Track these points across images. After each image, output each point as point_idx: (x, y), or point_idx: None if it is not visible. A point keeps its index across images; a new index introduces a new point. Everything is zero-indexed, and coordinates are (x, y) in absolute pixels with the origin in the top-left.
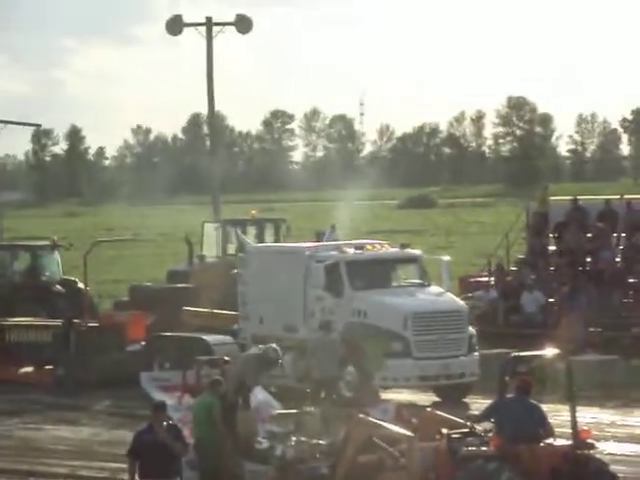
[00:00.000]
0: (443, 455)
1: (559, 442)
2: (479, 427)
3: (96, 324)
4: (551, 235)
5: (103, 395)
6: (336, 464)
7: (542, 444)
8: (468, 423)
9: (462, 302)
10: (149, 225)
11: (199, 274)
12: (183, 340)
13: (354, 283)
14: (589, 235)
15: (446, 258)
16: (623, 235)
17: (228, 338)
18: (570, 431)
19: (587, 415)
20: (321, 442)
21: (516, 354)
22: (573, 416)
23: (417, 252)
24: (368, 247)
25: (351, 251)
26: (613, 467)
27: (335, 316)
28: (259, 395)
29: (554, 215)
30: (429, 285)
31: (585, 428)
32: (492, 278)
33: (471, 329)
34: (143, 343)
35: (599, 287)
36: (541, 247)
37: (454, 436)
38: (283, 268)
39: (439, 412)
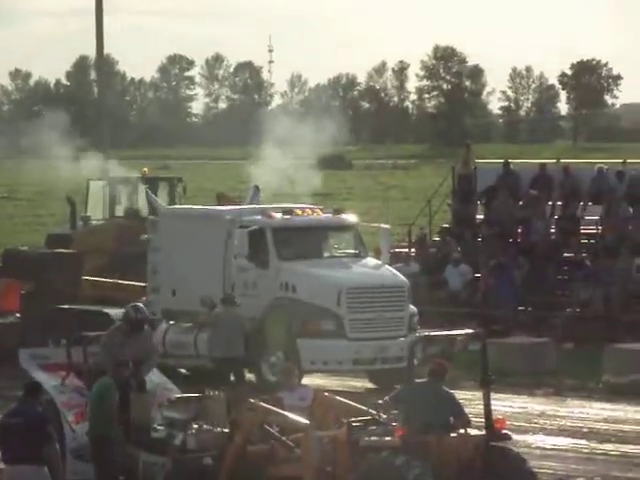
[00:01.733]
0: (342, 445)
1: (472, 432)
2: (383, 415)
3: None
4: (479, 202)
5: None
6: (222, 454)
7: (453, 435)
8: (371, 410)
9: (402, 276)
10: (25, 182)
11: (83, 238)
12: (83, 314)
13: (282, 253)
14: (521, 203)
15: (385, 226)
16: (559, 204)
17: None
18: (484, 421)
19: (515, 404)
20: (226, 430)
21: (426, 334)
22: (487, 404)
23: (353, 219)
24: (297, 212)
25: (278, 216)
26: (542, 462)
27: (259, 289)
28: (154, 377)
29: (483, 180)
30: (365, 256)
31: (500, 417)
32: (413, 250)
33: (412, 307)
34: (17, 315)
35: (531, 261)
36: (468, 215)
37: (355, 424)
38: (200, 234)
39: (337, 397)
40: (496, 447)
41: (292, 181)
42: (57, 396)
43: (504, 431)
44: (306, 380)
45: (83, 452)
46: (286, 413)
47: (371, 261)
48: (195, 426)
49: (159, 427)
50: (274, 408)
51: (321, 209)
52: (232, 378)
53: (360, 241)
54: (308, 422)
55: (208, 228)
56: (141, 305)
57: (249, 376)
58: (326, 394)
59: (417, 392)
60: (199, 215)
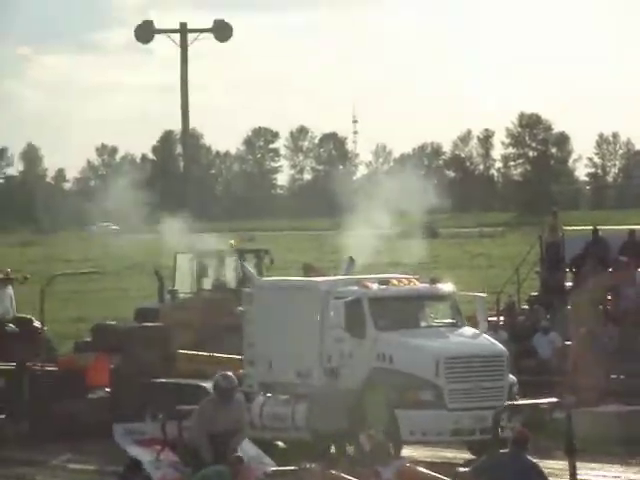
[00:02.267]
0: None
1: None
2: None
3: (54, 368)
4: (568, 270)
5: (62, 448)
6: None
7: None
8: None
9: (501, 346)
10: (113, 256)
11: (171, 312)
12: (179, 387)
13: (378, 323)
14: (610, 270)
15: (481, 294)
16: None
17: None
18: None
19: (608, 474)
20: None
21: (509, 403)
22: (572, 472)
23: (449, 288)
24: (393, 282)
25: (374, 286)
26: None
27: (356, 360)
28: (249, 450)
29: (571, 247)
30: (463, 326)
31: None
32: (501, 318)
33: (511, 377)
34: (107, 389)
35: (621, 329)
36: (556, 283)
37: None
38: (296, 305)
39: (420, 468)
40: None
41: (384, 251)
42: (153, 472)
43: None
44: (406, 451)
45: None
46: None
47: (468, 330)
48: None
49: None
50: (351, 478)
51: (417, 279)
52: (332, 450)
53: (457, 310)
54: None
55: (303, 299)
56: (230, 374)
57: (349, 449)
58: (408, 465)
59: (500, 462)
60: (294, 286)
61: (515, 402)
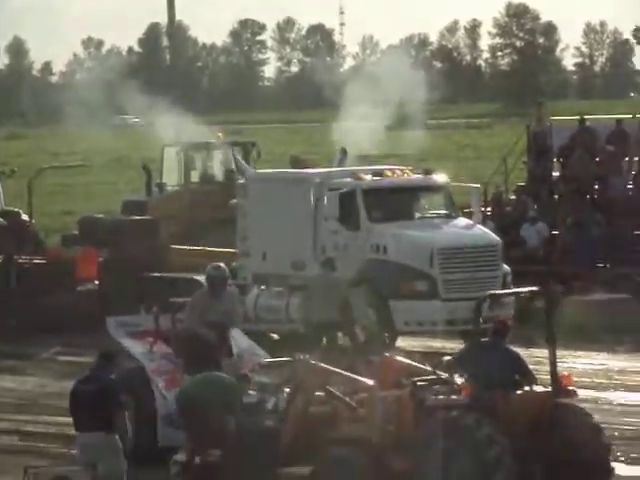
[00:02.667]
0: (407, 405)
1: (537, 390)
2: (444, 374)
3: (42, 261)
4: (555, 160)
5: (51, 341)
6: (285, 416)
7: (519, 392)
8: (435, 370)
9: (495, 236)
10: (101, 149)
11: (159, 204)
12: (175, 282)
13: (372, 214)
14: (597, 159)
15: (476, 185)
16: (636, 159)
17: None
18: (549, 377)
19: (595, 362)
20: (319, 393)
21: (491, 292)
22: (553, 361)
23: (443, 179)
24: (387, 173)
25: (368, 178)
26: (624, 419)
27: (350, 252)
28: (242, 342)
29: (559, 137)
30: (457, 216)
31: (565, 374)
32: (489, 208)
33: (505, 267)
34: (96, 282)
35: (608, 218)
36: (544, 173)
37: (419, 384)
38: (290, 197)
39: (400, 357)
40: (562, 404)
41: (364, 142)
42: (147, 363)
43: (570, 388)
44: (400, 341)
45: (174, 418)
46: (349, 374)
47: (462, 221)
48: (287, 390)
49: (251, 392)
50: (336, 369)
51: (411, 170)
52: (324, 342)
53: (451, 201)
54: (372, 382)
55: (297, 191)
56: (221, 264)
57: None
58: (388, 354)
59: (481, 351)
60: (288, 178)
61: (497, 292)
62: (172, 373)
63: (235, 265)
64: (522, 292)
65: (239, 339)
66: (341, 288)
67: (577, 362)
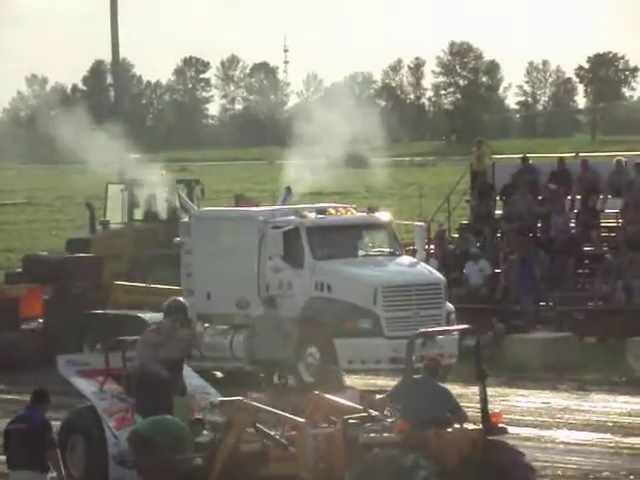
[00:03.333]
0: (338, 442)
1: (469, 427)
2: (374, 412)
3: None
4: (498, 198)
5: None
6: (214, 453)
7: (451, 429)
8: (364, 407)
9: (438, 274)
10: (45, 187)
11: (102, 242)
12: (117, 318)
13: (316, 252)
14: (540, 198)
15: (420, 224)
16: (578, 198)
17: None
18: (480, 415)
19: (538, 400)
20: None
21: (423, 330)
22: (483, 398)
23: (387, 217)
24: (331, 211)
25: (312, 215)
26: (567, 457)
27: (294, 290)
28: (193, 380)
29: (502, 175)
30: (401, 254)
31: (496, 411)
32: (432, 246)
33: (449, 305)
34: (41, 321)
35: (551, 256)
36: (486, 211)
37: (351, 421)
38: (234, 235)
39: (328, 395)
40: (493, 441)
41: (307, 180)
42: (98, 403)
43: (500, 425)
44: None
45: (125, 458)
46: (279, 412)
47: (406, 259)
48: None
49: (204, 432)
50: (266, 407)
51: (355, 208)
52: (276, 380)
53: (395, 239)
54: (303, 420)
55: (241, 229)
56: (181, 298)
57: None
58: (316, 393)
59: (413, 388)
60: (232, 217)
61: (429, 329)
62: (123, 412)
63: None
64: (453, 330)
65: (190, 377)
66: (285, 326)
67: (521, 400)
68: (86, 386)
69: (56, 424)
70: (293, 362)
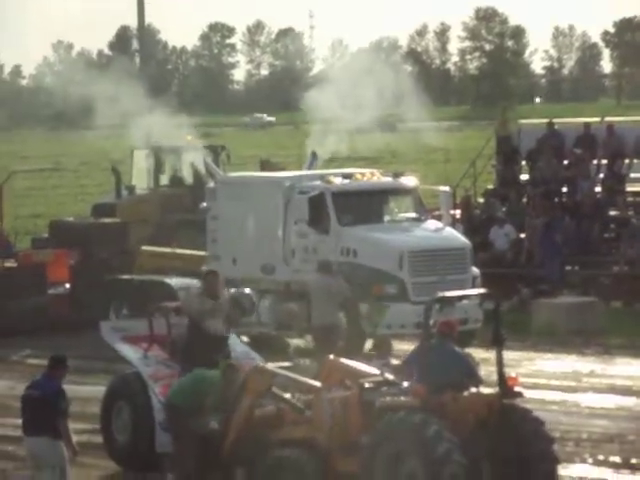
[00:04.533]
0: (355, 407)
1: (484, 391)
2: (390, 376)
3: (13, 264)
4: (524, 163)
5: (22, 344)
6: (229, 417)
7: (467, 393)
8: (380, 372)
9: (464, 239)
10: (71, 153)
11: (128, 207)
12: (143, 284)
13: (342, 218)
14: (566, 162)
15: (445, 189)
16: (604, 162)
17: (194, 281)
18: (497, 378)
19: (564, 364)
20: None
21: (441, 294)
22: (500, 362)
23: (413, 182)
24: (357, 176)
25: (338, 181)
26: (592, 421)
27: (320, 255)
28: (237, 347)
29: (527, 140)
30: (426, 219)
31: (512, 375)
32: (458, 211)
33: (475, 269)
34: (67, 286)
35: (577, 221)
36: (512, 176)
37: (367, 386)
38: (260, 201)
39: (343, 359)
40: (512, 406)
41: (344, 145)
42: (144, 369)
43: (516, 389)
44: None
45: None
46: (296, 376)
47: (432, 224)
48: (287, 395)
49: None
50: (283, 371)
51: (381, 173)
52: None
53: (420, 204)
54: (318, 384)
55: (267, 194)
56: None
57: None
58: (331, 357)
59: (428, 353)
60: (258, 182)
61: (446, 294)
62: (169, 378)
63: (205, 268)
64: (471, 295)
65: (234, 344)
66: (344, 292)
67: (546, 364)
68: (131, 352)
69: (84, 389)
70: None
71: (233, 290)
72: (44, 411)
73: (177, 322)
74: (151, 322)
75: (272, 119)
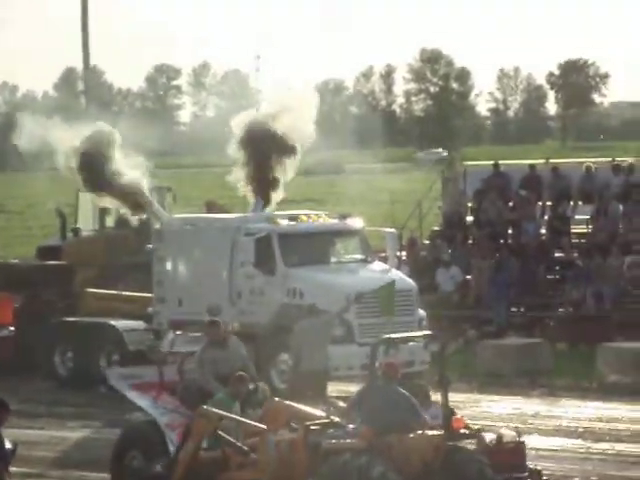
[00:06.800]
0: (301, 449)
1: (430, 433)
2: (335, 417)
3: None
4: (469, 204)
5: None
6: (175, 461)
7: (412, 435)
8: (325, 414)
9: (410, 280)
10: (15, 195)
11: (73, 249)
12: (89, 326)
13: (288, 259)
14: (511, 204)
15: (391, 230)
16: (548, 204)
17: (140, 323)
18: (442, 420)
19: (509, 405)
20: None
21: (387, 336)
22: (445, 404)
23: (359, 223)
24: (302, 218)
25: (284, 222)
26: (538, 463)
27: (266, 296)
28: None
29: (473, 182)
30: (372, 261)
31: (458, 417)
32: (404, 253)
33: (421, 311)
34: (12, 329)
35: (522, 262)
36: (458, 218)
37: (313, 427)
38: (206, 242)
39: (288, 402)
40: (454, 447)
41: (291, 187)
42: (160, 417)
43: (462, 430)
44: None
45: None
46: (241, 418)
47: (378, 265)
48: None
49: None
50: (228, 414)
51: (327, 214)
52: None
53: (367, 246)
54: (264, 426)
55: (214, 236)
56: (215, 318)
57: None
58: (277, 399)
59: (374, 394)
60: (204, 223)
61: (393, 335)
62: (183, 427)
63: (151, 310)
64: (416, 336)
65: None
66: (329, 331)
67: (493, 406)
68: (143, 400)
69: (29, 433)
70: (266, 369)
71: (251, 386)
72: None
73: (189, 368)
74: (161, 369)
75: (445, 154)
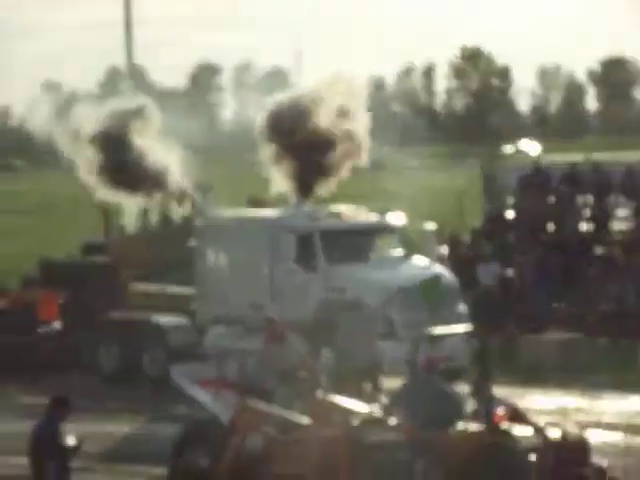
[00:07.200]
0: (344, 444)
1: (472, 428)
2: (379, 414)
3: (3, 304)
4: (510, 200)
5: (11, 383)
6: (220, 456)
7: (455, 430)
8: (369, 409)
9: (452, 275)
10: (58, 191)
11: (118, 247)
12: (132, 323)
13: (330, 256)
14: (552, 200)
15: (430, 227)
16: (590, 200)
17: (183, 320)
18: (485, 416)
19: (550, 400)
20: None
21: (426, 332)
22: (488, 399)
23: (399, 220)
24: (344, 215)
25: (326, 219)
26: None
27: (307, 293)
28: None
29: (513, 178)
30: (413, 257)
31: (500, 413)
32: (445, 248)
33: (462, 306)
34: (56, 325)
35: (563, 258)
36: (498, 214)
37: (356, 423)
38: (248, 239)
39: (333, 396)
40: (496, 442)
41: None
42: (223, 414)
43: (503, 427)
44: None
45: None
46: (285, 414)
47: (419, 260)
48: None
49: None
50: (272, 409)
51: (368, 211)
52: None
53: (407, 242)
54: (308, 421)
55: (255, 233)
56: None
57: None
58: (322, 393)
59: (412, 388)
60: (246, 220)
61: (433, 331)
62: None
63: (194, 307)
64: (458, 332)
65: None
66: (375, 325)
67: (533, 400)
68: (206, 396)
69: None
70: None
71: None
72: (33, 454)
73: (248, 363)
74: (221, 365)
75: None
